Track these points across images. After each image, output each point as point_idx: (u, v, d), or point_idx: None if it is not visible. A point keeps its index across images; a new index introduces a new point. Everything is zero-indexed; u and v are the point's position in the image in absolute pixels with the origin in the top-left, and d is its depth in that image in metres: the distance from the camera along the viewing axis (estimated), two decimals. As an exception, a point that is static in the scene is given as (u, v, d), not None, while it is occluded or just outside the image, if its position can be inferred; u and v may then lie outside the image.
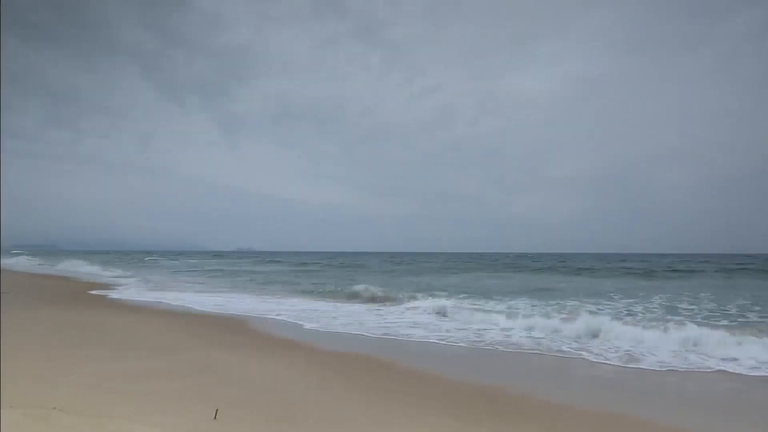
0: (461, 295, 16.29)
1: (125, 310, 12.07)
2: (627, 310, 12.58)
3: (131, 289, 18.80)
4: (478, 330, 9.86)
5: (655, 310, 12.65)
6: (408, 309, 13.42)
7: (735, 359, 7.23)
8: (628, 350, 7.92)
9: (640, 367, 6.96)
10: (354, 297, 16.75)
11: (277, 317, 11.57)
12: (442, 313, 12.25)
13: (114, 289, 19.03)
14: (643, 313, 12.01)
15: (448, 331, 9.88)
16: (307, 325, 10.40)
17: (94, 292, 17.44)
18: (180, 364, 6.22)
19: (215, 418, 4.05)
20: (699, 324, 10.29)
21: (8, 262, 41.08)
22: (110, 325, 9.39)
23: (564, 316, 10.91)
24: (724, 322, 10.52)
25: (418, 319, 11.66)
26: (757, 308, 12.62)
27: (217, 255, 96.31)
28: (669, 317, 11.24)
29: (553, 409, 4.99)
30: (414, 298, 15.26)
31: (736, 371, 6.69)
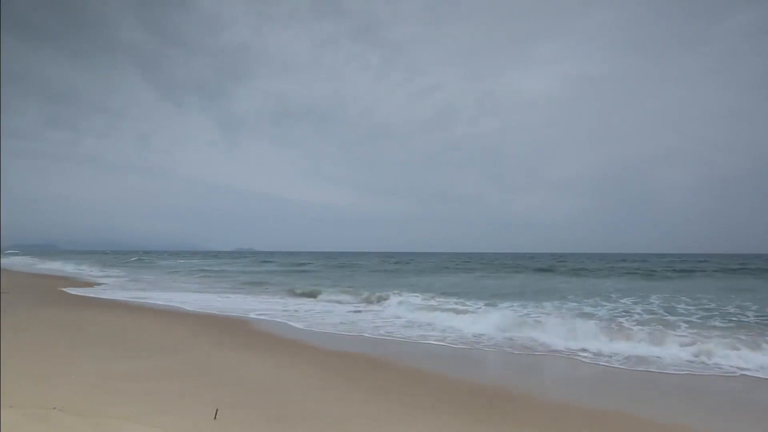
0: (446, 296, 16.13)
1: (125, 310, 12.07)
2: (625, 311, 12.58)
3: (107, 288, 18.87)
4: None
5: (655, 311, 12.63)
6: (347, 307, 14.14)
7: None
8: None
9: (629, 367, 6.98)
10: (311, 296, 17.31)
11: (252, 317, 11.59)
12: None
13: (93, 287, 19.15)
14: (640, 314, 12.01)
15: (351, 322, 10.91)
16: (290, 323, 10.43)
17: (66, 289, 17.49)
18: (180, 364, 6.23)
19: (215, 418, 4.06)
20: (694, 324, 10.31)
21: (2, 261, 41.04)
22: (110, 325, 9.39)
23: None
24: (720, 323, 10.52)
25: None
26: (754, 308, 12.62)
27: (215, 255, 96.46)
28: (668, 317, 11.26)
29: (553, 409, 5.01)
30: (397, 295, 15.50)
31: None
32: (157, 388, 4.97)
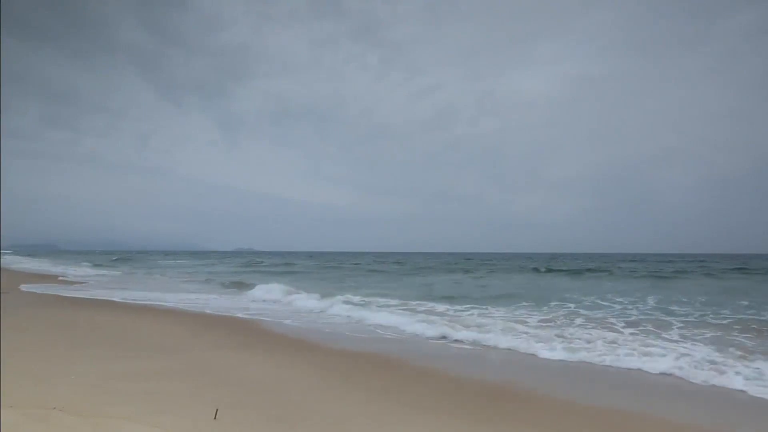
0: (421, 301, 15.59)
1: (125, 310, 12.07)
2: (623, 311, 12.59)
3: (78, 288, 18.80)
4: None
5: (651, 311, 12.64)
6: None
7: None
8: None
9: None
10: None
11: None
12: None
13: (56, 284, 19.41)
14: (636, 315, 12.01)
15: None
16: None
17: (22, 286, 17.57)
18: (180, 364, 6.23)
19: (215, 418, 4.07)
20: (690, 324, 10.31)
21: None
22: (110, 325, 9.39)
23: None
24: (717, 323, 10.53)
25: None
26: (752, 309, 12.64)
27: (208, 255, 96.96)
28: (665, 318, 11.27)
29: (553, 408, 5.01)
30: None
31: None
32: (157, 388, 4.98)
